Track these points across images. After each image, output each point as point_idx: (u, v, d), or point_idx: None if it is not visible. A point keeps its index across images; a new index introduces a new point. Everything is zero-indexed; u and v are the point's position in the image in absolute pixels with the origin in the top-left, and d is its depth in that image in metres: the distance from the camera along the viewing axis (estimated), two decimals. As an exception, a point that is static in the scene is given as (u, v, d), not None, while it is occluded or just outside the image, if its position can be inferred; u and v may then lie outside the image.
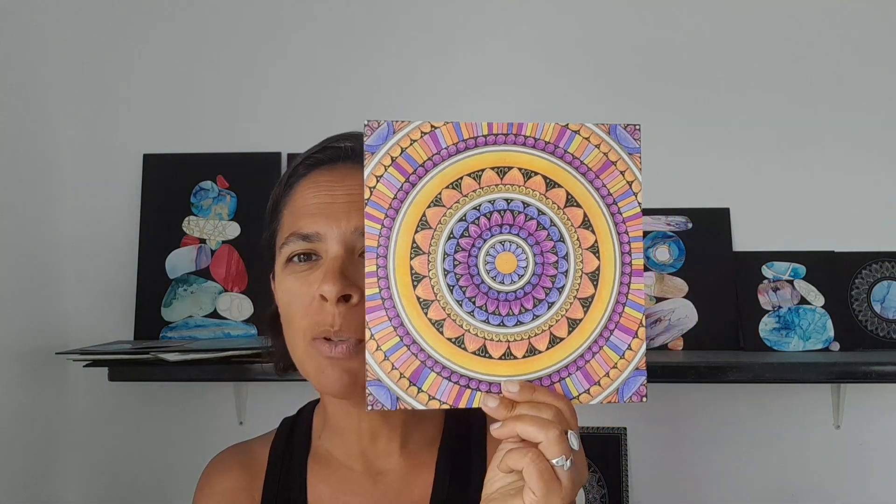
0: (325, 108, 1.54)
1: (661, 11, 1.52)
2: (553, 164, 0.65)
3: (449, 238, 0.64)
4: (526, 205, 0.65)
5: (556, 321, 0.64)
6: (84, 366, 1.28)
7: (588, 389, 0.64)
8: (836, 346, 1.40)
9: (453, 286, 0.64)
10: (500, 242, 0.64)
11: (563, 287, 0.64)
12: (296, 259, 0.72)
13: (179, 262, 1.49)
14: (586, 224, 0.65)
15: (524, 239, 0.65)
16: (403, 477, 0.78)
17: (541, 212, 0.65)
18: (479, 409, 0.82)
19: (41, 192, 1.48)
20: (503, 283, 0.64)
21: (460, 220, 0.64)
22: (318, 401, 0.85)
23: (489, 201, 0.64)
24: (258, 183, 1.51)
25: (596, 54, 1.52)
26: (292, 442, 0.83)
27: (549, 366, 0.64)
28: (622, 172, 0.67)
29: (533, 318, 0.64)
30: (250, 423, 1.50)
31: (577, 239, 0.65)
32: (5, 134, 1.39)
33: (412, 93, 1.53)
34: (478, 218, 0.64)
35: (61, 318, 1.51)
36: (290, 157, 1.52)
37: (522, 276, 0.64)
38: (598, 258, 0.65)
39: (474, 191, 0.64)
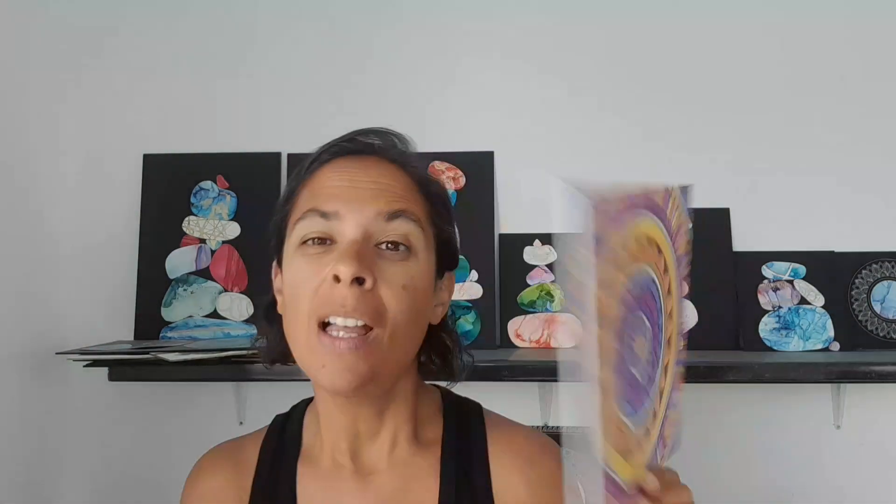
0: (325, 108, 1.54)
1: (662, 11, 1.52)
2: (662, 231, 0.57)
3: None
4: (652, 280, 0.55)
5: (657, 394, 0.57)
6: (84, 366, 1.28)
7: (662, 455, 0.58)
8: (836, 346, 1.40)
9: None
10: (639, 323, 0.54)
11: (659, 359, 0.57)
12: (310, 242, 0.70)
13: (179, 262, 1.49)
14: (670, 291, 0.59)
15: (647, 316, 0.55)
16: (397, 479, 0.76)
17: (658, 286, 0.56)
18: (476, 416, 0.80)
19: (41, 192, 1.48)
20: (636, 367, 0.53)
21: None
22: (311, 399, 0.83)
23: (639, 276, 0.54)
24: (258, 183, 1.51)
25: (595, 54, 1.52)
26: (283, 440, 0.81)
27: (652, 442, 0.57)
28: (685, 235, 0.60)
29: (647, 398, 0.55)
30: (250, 423, 1.49)
31: (666, 306, 0.57)
32: (5, 134, 1.39)
33: (413, 92, 1.53)
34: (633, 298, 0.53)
35: (61, 318, 1.51)
36: (291, 157, 1.52)
37: (647, 359, 0.54)
38: (672, 322, 0.58)
39: (629, 265, 0.53)
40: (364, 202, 0.70)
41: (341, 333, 0.67)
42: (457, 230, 0.80)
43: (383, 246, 0.70)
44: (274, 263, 0.78)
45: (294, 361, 0.75)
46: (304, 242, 0.70)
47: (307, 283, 0.68)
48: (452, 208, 0.80)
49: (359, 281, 0.66)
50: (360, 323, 0.67)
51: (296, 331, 0.70)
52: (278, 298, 0.77)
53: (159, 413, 1.52)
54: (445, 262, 0.77)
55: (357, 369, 0.67)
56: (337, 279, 0.66)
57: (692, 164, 1.50)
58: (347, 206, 0.69)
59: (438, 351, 0.81)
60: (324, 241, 0.70)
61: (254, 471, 0.79)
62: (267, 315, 0.79)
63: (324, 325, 0.68)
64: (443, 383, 0.84)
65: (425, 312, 0.74)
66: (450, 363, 0.81)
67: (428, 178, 0.77)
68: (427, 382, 0.83)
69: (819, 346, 1.41)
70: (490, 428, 0.80)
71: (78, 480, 1.52)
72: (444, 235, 0.76)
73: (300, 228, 0.71)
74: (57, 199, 1.52)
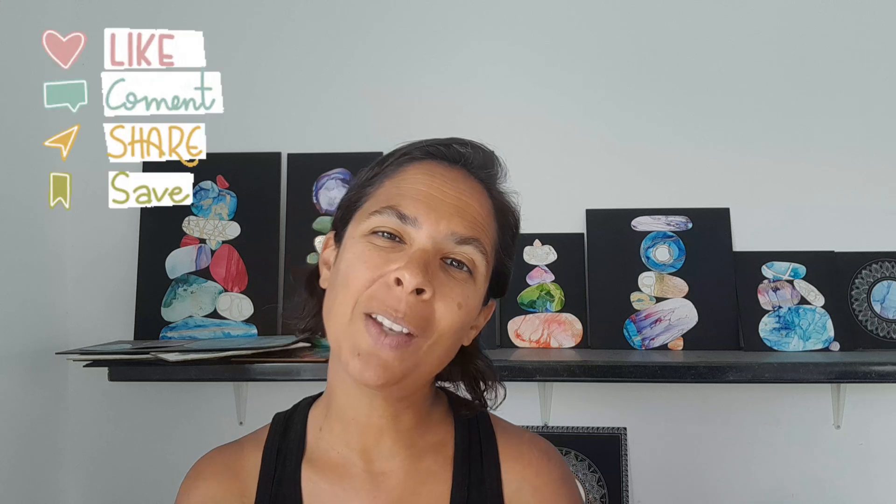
0: (325, 108, 1.54)
1: (663, 10, 1.52)
2: None
3: None
4: None
5: None
6: (84, 366, 1.28)
7: None
8: (836, 346, 1.40)
9: None
10: None
11: None
12: (381, 234, 0.71)
13: (179, 262, 1.49)
14: None
15: None
16: (408, 480, 0.76)
17: None
18: (485, 421, 0.81)
19: (41, 192, 1.48)
20: None
21: None
22: (315, 397, 0.82)
23: None
24: (258, 183, 1.51)
25: (596, 53, 1.52)
26: (287, 442, 0.79)
27: None
28: None
29: None
30: (250, 423, 1.50)
31: None
32: (4, 134, 1.39)
33: (412, 92, 1.53)
34: None
35: (61, 318, 1.51)
36: (291, 157, 1.52)
37: None
38: None
39: None
40: (443, 217, 0.71)
41: (386, 331, 0.68)
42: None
43: (448, 261, 0.71)
44: (330, 234, 0.79)
45: (321, 335, 0.77)
46: (375, 232, 0.71)
47: (367, 272, 0.69)
48: (518, 242, 0.82)
49: (418, 291, 0.68)
50: (405, 330, 0.68)
51: (338, 309, 0.70)
52: (323, 271, 0.78)
53: (159, 413, 1.52)
54: (494, 291, 0.79)
55: (391, 368, 0.68)
56: (398, 283, 0.67)
57: (692, 164, 1.50)
58: (427, 216, 0.70)
59: (471, 374, 0.81)
60: (393, 237, 0.71)
61: (257, 476, 0.77)
62: (309, 285, 0.79)
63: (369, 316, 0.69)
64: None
65: (466, 333, 0.75)
66: (482, 390, 0.82)
67: (508, 206, 0.80)
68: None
69: (819, 346, 1.41)
70: (499, 433, 0.81)
71: (78, 480, 1.52)
72: (501, 267, 0.78)
73: (375, 220, 0.71)
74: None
